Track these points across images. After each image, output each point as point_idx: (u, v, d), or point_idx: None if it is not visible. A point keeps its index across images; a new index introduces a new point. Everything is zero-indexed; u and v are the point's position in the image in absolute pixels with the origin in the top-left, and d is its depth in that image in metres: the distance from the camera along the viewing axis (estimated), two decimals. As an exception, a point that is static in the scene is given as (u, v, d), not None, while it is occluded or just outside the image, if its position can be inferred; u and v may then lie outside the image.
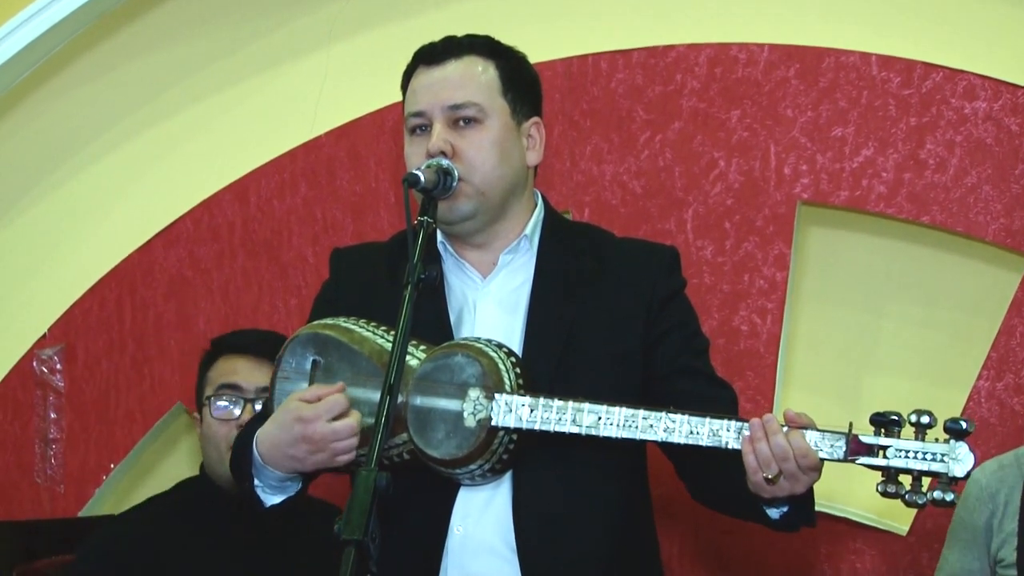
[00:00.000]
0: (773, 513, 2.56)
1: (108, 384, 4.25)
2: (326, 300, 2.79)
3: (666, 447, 2.63)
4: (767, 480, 2.43)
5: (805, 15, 3.82)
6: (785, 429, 2.43)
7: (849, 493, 3.76)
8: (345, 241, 3.97)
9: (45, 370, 4.28)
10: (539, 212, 2.76)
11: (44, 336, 4.30)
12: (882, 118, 3.71)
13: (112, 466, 4.22)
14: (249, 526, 3.24)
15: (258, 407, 3.28)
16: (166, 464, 4.29)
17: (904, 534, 3.67)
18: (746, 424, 2.45)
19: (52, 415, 4.28)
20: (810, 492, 2.53)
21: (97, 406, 4.25)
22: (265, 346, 3.33)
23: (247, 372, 3.34)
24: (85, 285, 4.29)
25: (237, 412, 3.31)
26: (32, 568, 3.59)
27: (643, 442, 2.52)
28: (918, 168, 3.68)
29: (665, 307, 2.69)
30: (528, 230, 2.72)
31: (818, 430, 2.46)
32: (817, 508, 3.70)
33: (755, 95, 3.79)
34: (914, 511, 3.65)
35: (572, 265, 2.70)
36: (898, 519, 3.71)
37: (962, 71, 3.65)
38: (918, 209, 3.68)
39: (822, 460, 2.44)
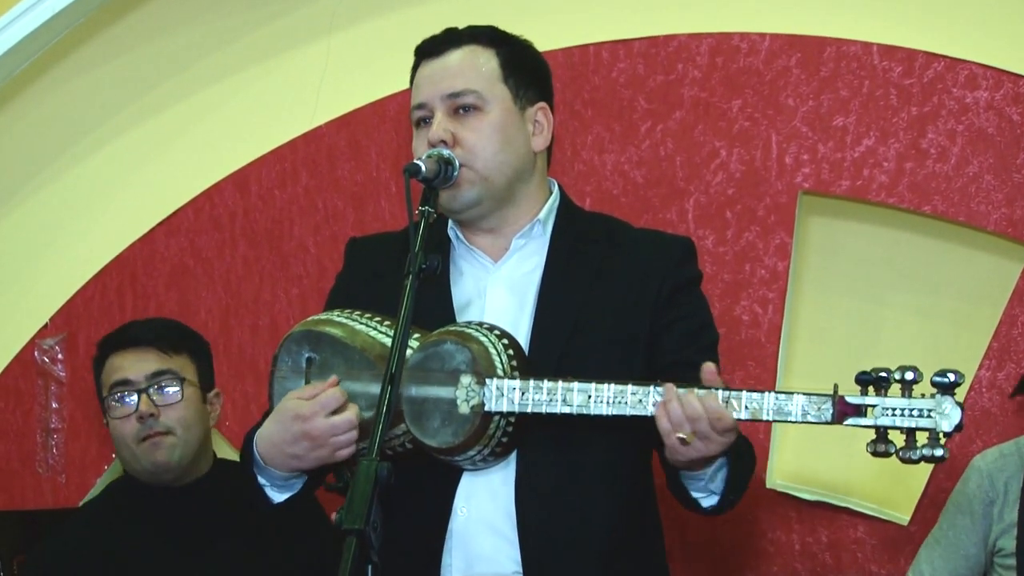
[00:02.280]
0: (705, 503, 2.58)
1: (109, 374, 4.25)
2: (340, 291, 2.79)
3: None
4: (680, 441, 2.43)
5: (807, 4, 3.82)
6: (700, 392, 2.43)
7: (850, 482, 3.77)
8: (346, 231, 3.97)
9: (47, 359, 4.29)
10: (554, 199, 2.76)
11: (46, 326, 4.31)
12: (883, 107, 3.71)
13: (113, 456, 4.22)
14: (183, 515, 3.26)
15: (154, 395, 3.27)
16: (167, 454, 4.29)
17: (906, 523, 3.67)
18: (734, 392, 2.44)
19: (54, 405, 4.28)
20: (738, 475, 2.54)
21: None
22: (148, 333, 3.34)
23: (132, 364, 3.30)
24: (87, 275, 4.29)
25: (132, 405, 3.27)
26: (33, 558, 3.59)
27: (645, 423, 2.51)
28: (919, 158, 3.68)
29: (675, 297, 2.68)
30: (542, 215, 2.72)
31: (804, 393, 2.44)
32: (819, 498, 3.75)
33: (756, 84, 3.79)
34: (915, 500, 3.65)
35: (585, 251, 2.70)
36: (900, 508, 3.71)
37: (963, 60, 3.65)
38: (919, 199, 3.68)
39: (737, 420, 2.43)
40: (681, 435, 2.42)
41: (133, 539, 3.27)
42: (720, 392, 2.44)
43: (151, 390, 3.28)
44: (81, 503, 4.17)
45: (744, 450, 2.60)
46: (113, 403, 3.31)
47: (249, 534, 3.23)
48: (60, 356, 4.28)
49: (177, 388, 3.29)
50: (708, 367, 2.47)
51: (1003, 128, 3.63)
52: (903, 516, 3.69)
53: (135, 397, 3.28)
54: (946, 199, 3.66)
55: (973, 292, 3.75)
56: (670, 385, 2.44)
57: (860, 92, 3.72)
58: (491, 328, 2.56)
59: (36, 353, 4.29)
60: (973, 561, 3.31)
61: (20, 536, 3.70)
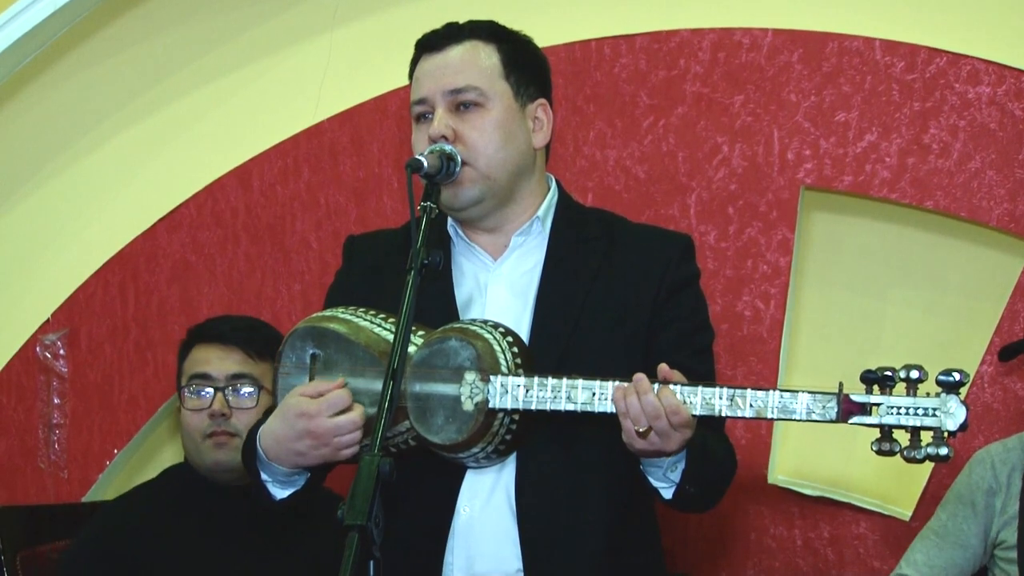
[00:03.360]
0: (666, 493, 2.57)
1: (111, 369, 4.25)
2: (339, 288, 2.79)
3: None
4: (638, 433, 2.43)
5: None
6: (656, 388, 2.43)
7: (852, 478, 3.77)
8: (348, 226, 3.97)
9: (48, 355, 4.29)
10: (552, 195, 2.76)
11: (48, 321, 4.31)
12: (885, 103, 3.70)
13: (115, 451, 4.23)
14: (235, 512, 3.25)
15: (230, 396, 3.29)
16: (169, 450, 4.29)
17: (908, 519, 3.68)
18: (738, 391, 2.44)
19: (55, 400, 4.28)
20: (699, 468, 2.53)
21: (100, 391, 4.25)
22: (238, 333, 3.34)
23: (218, 361, 3.32)
24: (88, 270, 4.29)
25: (207, 401, 3.29)
26: (36, 553, 3.59)
27: None
28: (922, 153, 3.68)
29: (673, 296, 2.68)
30: (541, 212, 2.72)
31: (809, 392, 2.44)
32: (821, 494, 3.75)
33: (758, 80, 3.79)
34: (917, 496, 3.65)
35: (584, 248, 2.70)
36: (902, 504, 3.71)
37: (966, 56, 3.65)
38: (922, 194, 3.68)
39: (694, 416, 2.43)
40: (638, 428, 2.43)
41: (185, 529, 3.27)
42: (677, 387, 2.44)
43: (228, 390, 3.29)
44: (84, 499, 4.17)
45: (717, 447, 2.60)
46: (188, 394, 3.32)
47: (299, 540, 3.24)
48: (62, 352, 4.28)
49: (254, 393, 3.30)
50: (662, 367, 2.47)
51: (1005, 124, 3.63)
52: (905, 512, 3.69)
53: (211, 393, 3.29)
54: (948, 195, 3.66)
55: (975, 288, 3.75)
56: (636, 376, 2.44)
57: (862, 87, 3.72)
58: (496, 325, 2.56)
59: (38, 349, 4.29)
60: (971, 552, 3.31)
61: (23, 532, 3.70)
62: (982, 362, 3.64)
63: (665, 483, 2.57)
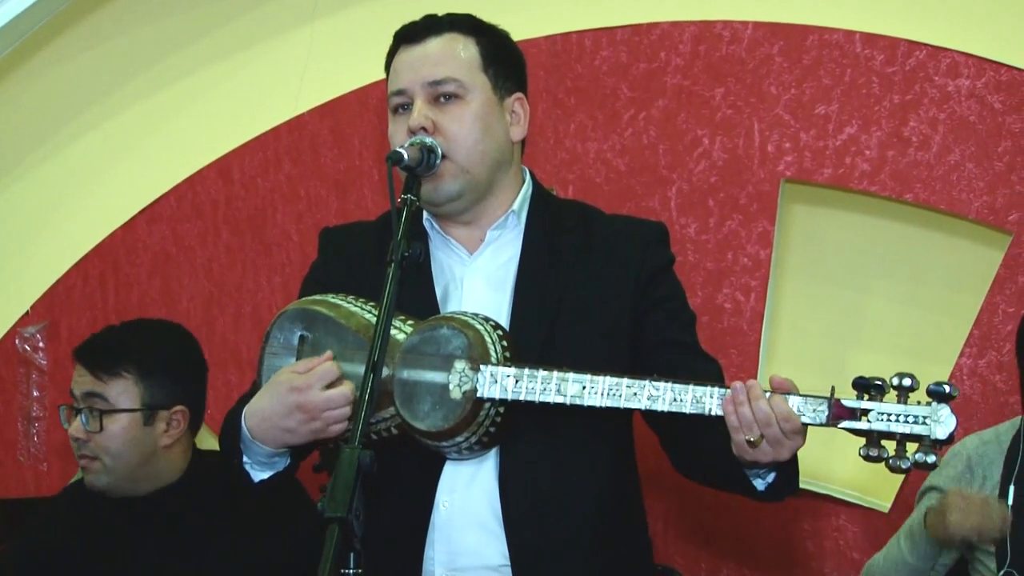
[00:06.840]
0: (759, 484, 2.55)
1: (91, 362, 4.24)
2: (315, 279, 2.78)
3: (651, 417, 2.62)
4: (748, 443, 2.42)
5: (789, -7, 3.83)
6: (768, 394, 2.43)
7: (832, 470, 3.78)
8: (329, 219, 3.97)
9: (28, 348, 4.28)
10: (527, 188, 2.76)
11: (27, 314, 4.30)
12: (866, 96, 3.71)
13: (96, 446, 4.22)
14: (140, 525, 3.21)
15: (87, 415, 3.18)
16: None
17: (887, 511, 3.69)
18: (729, 390, 2.44)
19: (35, 393, 4.27)
20: (795, 460, 2.52)
21: (80, 384, 4.24)
22: (87, 353, 3.23)
23: (76, 380, 3.23)
24: (68, 262, 4.28)
25: (68, 422, 3.23)
26: (16, 546, 3.58)
27: (628, 411, 2.52)
28: (901, 146, 3.69)
29: (652, 282, 2.69)
30: (516, 206, 2.72)
31: (800, 395, 2.44)
32: (801, 486, 3.75)
33: (739, 73, 3.79)
34: (896, 488, 3.67)
35: (560, 240, 2.70)
36: (881, 496, 3.72)
37: (946, 49, 3.66)
38: (901, 187, 3.69)
39: (805, 425, 2.43)
40: (749, 437, 2.42)
41: (88, 545, 3.21)
42: (790, 397, 2.43)
43: (84, 412, 3.20)
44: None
45: None
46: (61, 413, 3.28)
47: (218, 543, 3.20)
48: (41, 344, 4.27)
49: (99, 417, 3.18)
50: (775, 378, 2.46)
51: (984, 116, 3.64)
52: (884, 503, 3.71)
53: (69, 415, 3.23)
54: (928, 187, 3.67)
55: (955, 280, 3.77)
56: (739, 385, 2.42)
57: (842, 80, 3.73)
58: (486, 319, 2.56)
59: (17, 341, 4.28)
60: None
61: (2, 525, 3.69)
62: (961, 354, 3.66)
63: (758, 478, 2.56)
